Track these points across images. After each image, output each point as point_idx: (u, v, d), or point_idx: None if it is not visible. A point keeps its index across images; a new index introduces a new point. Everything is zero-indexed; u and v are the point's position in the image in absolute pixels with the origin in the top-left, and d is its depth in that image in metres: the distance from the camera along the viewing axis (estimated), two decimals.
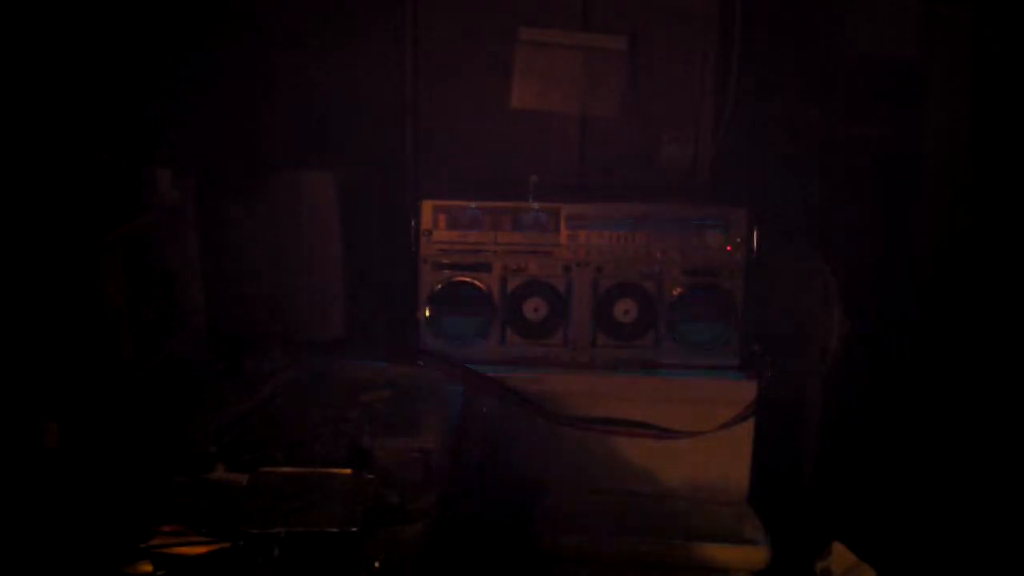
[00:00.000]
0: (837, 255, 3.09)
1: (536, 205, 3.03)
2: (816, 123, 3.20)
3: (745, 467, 2.99)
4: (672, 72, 3.23)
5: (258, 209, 3.08)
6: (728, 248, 3.02)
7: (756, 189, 3.10)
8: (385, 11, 3.20)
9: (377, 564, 1.85)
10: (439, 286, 3.04)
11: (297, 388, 2.72)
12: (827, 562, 2.89)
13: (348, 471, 2.13)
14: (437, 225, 3.04)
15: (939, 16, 3.07)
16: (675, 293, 3.03)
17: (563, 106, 3.23)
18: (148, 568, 1.86)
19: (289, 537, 1.89)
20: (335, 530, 1.91)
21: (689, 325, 3.04)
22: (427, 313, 3.05)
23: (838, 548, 2.90)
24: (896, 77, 3.17)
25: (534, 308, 3.06)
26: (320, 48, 3.19)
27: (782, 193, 3.12)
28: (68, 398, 2.09)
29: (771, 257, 3.04)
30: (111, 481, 2.11)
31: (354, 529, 1.92)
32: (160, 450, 2.28)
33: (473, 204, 3.03)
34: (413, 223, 3.03)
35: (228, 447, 2.33)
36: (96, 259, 2.22)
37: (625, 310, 3.05)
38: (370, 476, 2.13)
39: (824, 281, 3.05)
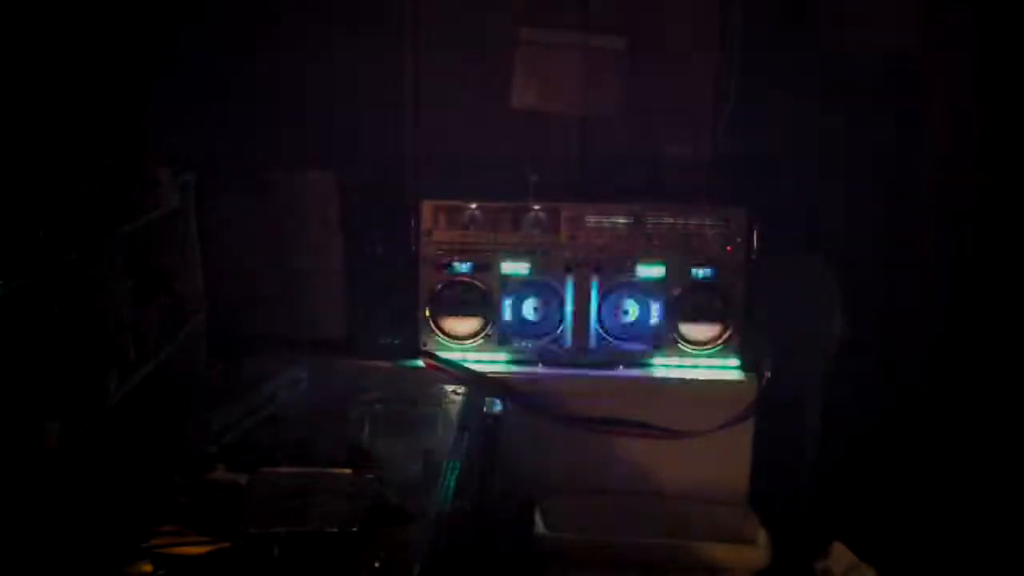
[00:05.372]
0: (837, 255, 3.09)
1: (536, 205, 3.04)
2: (817, 123, 3.20)
3: (745, 467, 2.99)
4: (672, 72, 3.23)
5: (258, 209, 3.09)
6: (728, 248, 3.02)
7: (756, 189, 3.10)
8: (385, 11, 3.20)
9: (377, 564, 1.86)
10: (439, 286, 3.04)
11: (297, 388, 2.72)
12: (827, 562, 2.90)
13: (348, 471, 2.13)
14: (437, 225, 3.04)
15: (940, 16, 3.07)
16: (675, 293, 3.03)
17: (563, 106, 3.23)
18: (148, 568, 1.86)
19: (289, 537, 1.89)
20: (335, 530, 1.91)
21: (689, 325, 3.04)
22: (427, 313, 3.05)
23: (838, 548, 2.90)
24: (897, 77, 3.16)
25: (534, 308, 3.06)
26: (320, 48, 3.19)
27: (782, 193, 3.12)
28: (68, 398, 2.09)
29: (771, 257, 3.04)
30: (111, 481, 2.12)
31: (354, 529, 1.92)
32: (160, 450, 2.29)
33: (473, 204, 3.03)
34: (413, 223, 3.03)
35: (228, 447, 2.33)
36: (96, 259, 2.22)
37: (625, 310, 3.06)
38: (370, 476, 2.13)
39: (824, 281, 3.05)
